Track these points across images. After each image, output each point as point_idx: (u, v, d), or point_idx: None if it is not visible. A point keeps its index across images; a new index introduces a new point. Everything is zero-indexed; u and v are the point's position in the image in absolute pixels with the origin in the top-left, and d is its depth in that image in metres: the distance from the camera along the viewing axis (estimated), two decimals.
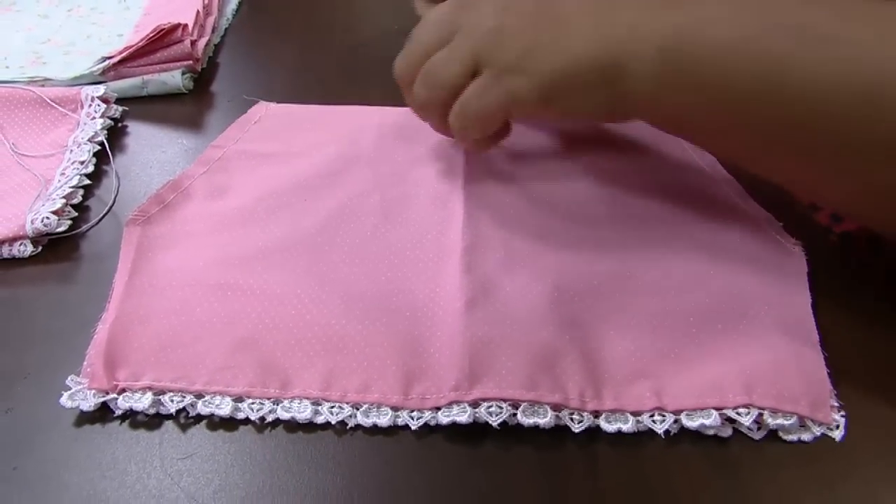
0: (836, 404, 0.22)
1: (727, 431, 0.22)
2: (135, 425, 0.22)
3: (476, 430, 0.22)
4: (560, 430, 0.22)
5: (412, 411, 0.22)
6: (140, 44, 0.37)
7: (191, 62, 0.39)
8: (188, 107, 0.38)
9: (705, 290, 0.25)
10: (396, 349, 0.23)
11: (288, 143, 0.34)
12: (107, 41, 0.42)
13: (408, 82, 0.28)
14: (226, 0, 0.47)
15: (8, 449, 0.22)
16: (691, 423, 0.21)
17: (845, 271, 0.28)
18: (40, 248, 0.29)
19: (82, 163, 0.32)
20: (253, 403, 0.22)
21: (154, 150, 0.35)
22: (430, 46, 0.26)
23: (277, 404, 0.22)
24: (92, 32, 0.44)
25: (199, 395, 0.23)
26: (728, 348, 0.23)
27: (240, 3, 0.48)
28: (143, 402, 0.22)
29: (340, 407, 0.22)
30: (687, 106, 0.23)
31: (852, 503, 0.20)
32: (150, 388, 0.22)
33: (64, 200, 0.30)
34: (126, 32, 0.42)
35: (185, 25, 0.38)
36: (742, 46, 0.21)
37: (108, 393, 0.22)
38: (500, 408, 0.21)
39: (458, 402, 0.22)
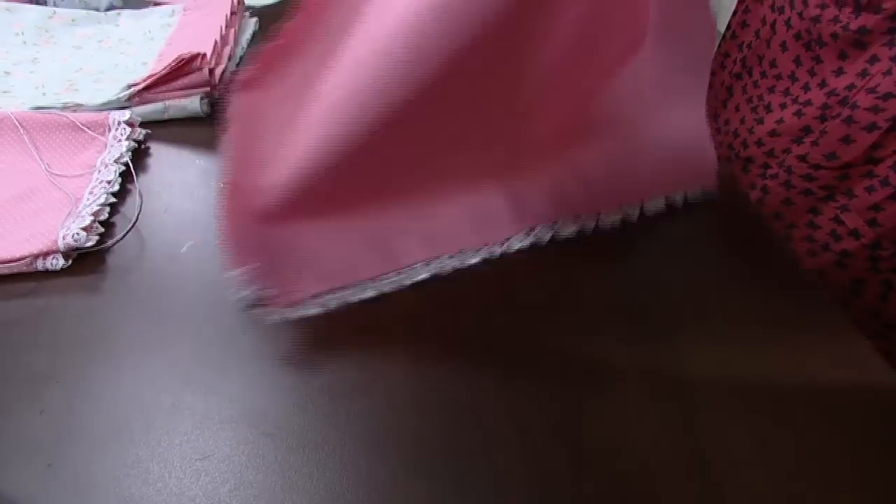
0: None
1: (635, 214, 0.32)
2: (157, 429, 0.24)
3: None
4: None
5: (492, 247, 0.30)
6: (162, 72, 0.39)
7: (209, 88, 0.41)
8: (206, 130, 0.40)
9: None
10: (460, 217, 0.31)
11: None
12: (133, 69, 0.45)
13: None
14: (241, 30, 0.50)
15: (42, 448, 0.23)
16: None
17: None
18: (70, 262, 0.31)
19: (109, 182, 0.34)
20: (384, 280, 0.29)
21: (174, 170, 0.37)
22: None
23: (400, 274, 0.29)
24: (119, 61, 0.46)
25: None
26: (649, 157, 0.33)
27: (254, 33, 0.51)
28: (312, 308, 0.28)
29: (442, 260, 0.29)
30: None
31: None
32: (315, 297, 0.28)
33: (92, 217, 0.32)
34: (150, 61, 0.44)
35: (204, 55, 0.41)
36: None
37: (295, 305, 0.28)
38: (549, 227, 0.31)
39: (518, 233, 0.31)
